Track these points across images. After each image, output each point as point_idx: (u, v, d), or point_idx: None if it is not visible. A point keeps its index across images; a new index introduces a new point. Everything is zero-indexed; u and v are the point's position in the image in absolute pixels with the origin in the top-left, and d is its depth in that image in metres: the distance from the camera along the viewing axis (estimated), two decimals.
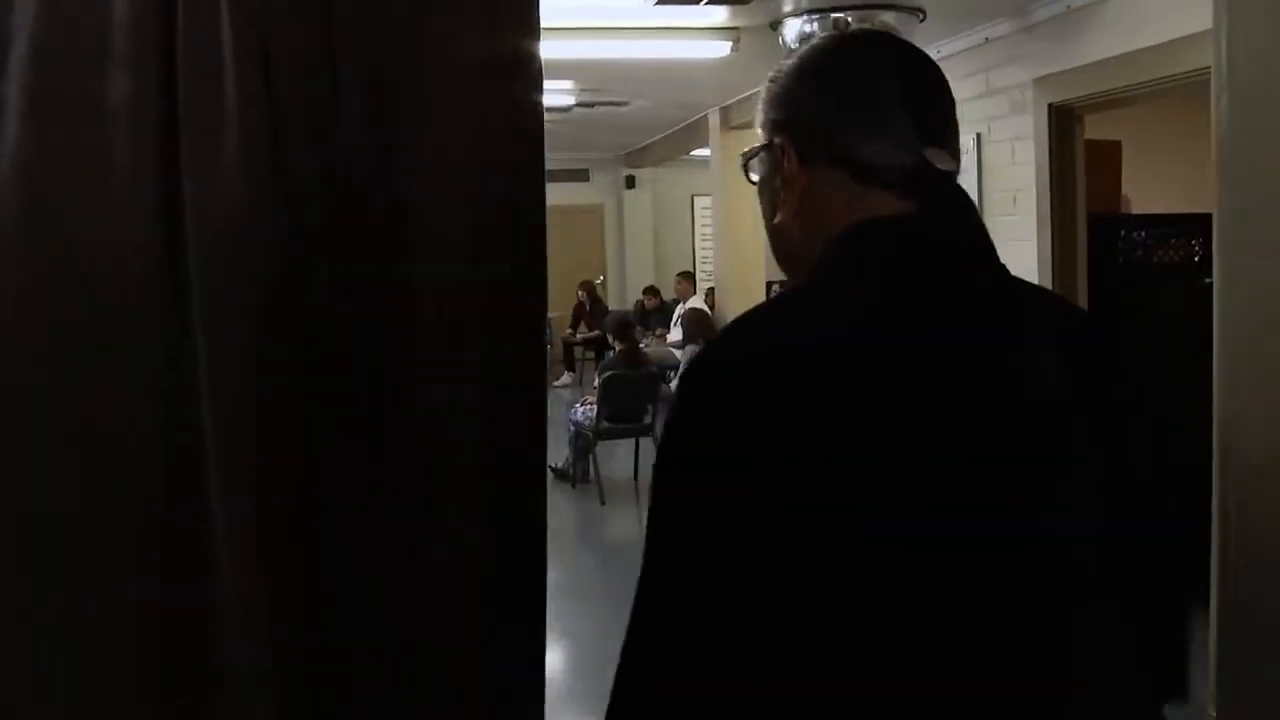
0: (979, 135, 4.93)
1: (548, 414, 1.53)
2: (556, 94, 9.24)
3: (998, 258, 1.01)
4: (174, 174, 1.33)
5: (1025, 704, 0.90)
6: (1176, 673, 1.02)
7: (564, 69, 7.38)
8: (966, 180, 4.94)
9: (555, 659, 4.56)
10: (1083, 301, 4.41)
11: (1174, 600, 1.02)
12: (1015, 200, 4.67)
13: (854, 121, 1.00)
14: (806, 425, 0.87)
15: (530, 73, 1.47)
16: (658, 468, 0.94)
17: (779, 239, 1.06)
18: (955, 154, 1.01)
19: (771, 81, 1.06)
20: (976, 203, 4.82)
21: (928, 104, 1.02)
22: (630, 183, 15.56)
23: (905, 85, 1.02)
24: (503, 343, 1.45)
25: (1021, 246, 4.64)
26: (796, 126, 1.03)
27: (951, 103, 1.05)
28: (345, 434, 1.39)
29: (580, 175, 15.58)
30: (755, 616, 0.86)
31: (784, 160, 1.03)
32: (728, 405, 0.90)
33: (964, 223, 1.00)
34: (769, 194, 1.06)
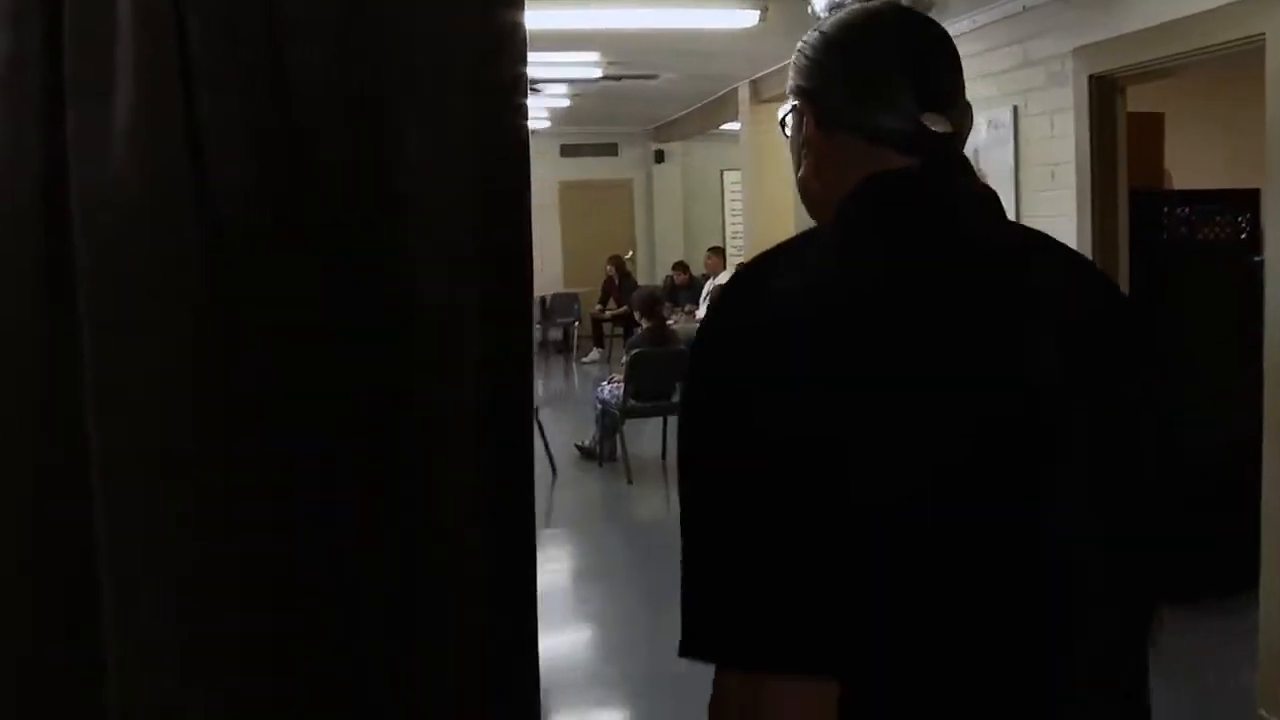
0: (1016, 108, 4.77)
1: (534, 405, 1.42)
2: (582, 66, 9.12)
3: (1003, 213, 1.09)
4: (58, 147, 1.19)
5: (1022, 666, 0.97)
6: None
7: (590, 40, 7.26)
8: (1002, 154, 4.82)
9: (581, 641, 4.48)
10: (1124, 280, 4.27)
11: (1145, 587, 1.08)
12: (1054, 175, 4.52)
13: (863, 93, 1.10)
14: (813, 399, 0.93)
15: (513, 51, 1.34)
16: (680, 442, 1.00)
17: (805, 192, 1.17)
18: (956, 121, 1.09)
19: (799, 50, 1.15)
20: (1013, 178, 4.70)
21: (930, 75, 1.10)
22: (659, 157, 15.42)
23: (912, 57, 1.10)
24: (487, 340, 1.34)
25: (1060, 223, 4.48)
26: (816, 94, 1.13)
27: (955, 74, 1.12)
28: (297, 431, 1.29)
29: (609, 150, 15.47)
30: (782, 577, 0.93)
31: (804, 123, 1.14)
32: (737, 378, 0.96)
33: (961, 178, 1.09)
34: (796, 151, 1.17)
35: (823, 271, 1.00)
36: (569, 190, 15.44)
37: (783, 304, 0.98)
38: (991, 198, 1.08)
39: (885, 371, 0.94)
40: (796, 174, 1.17)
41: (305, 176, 1.25)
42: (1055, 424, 0.97)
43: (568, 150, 15.26)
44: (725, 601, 0.96)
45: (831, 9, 4.35)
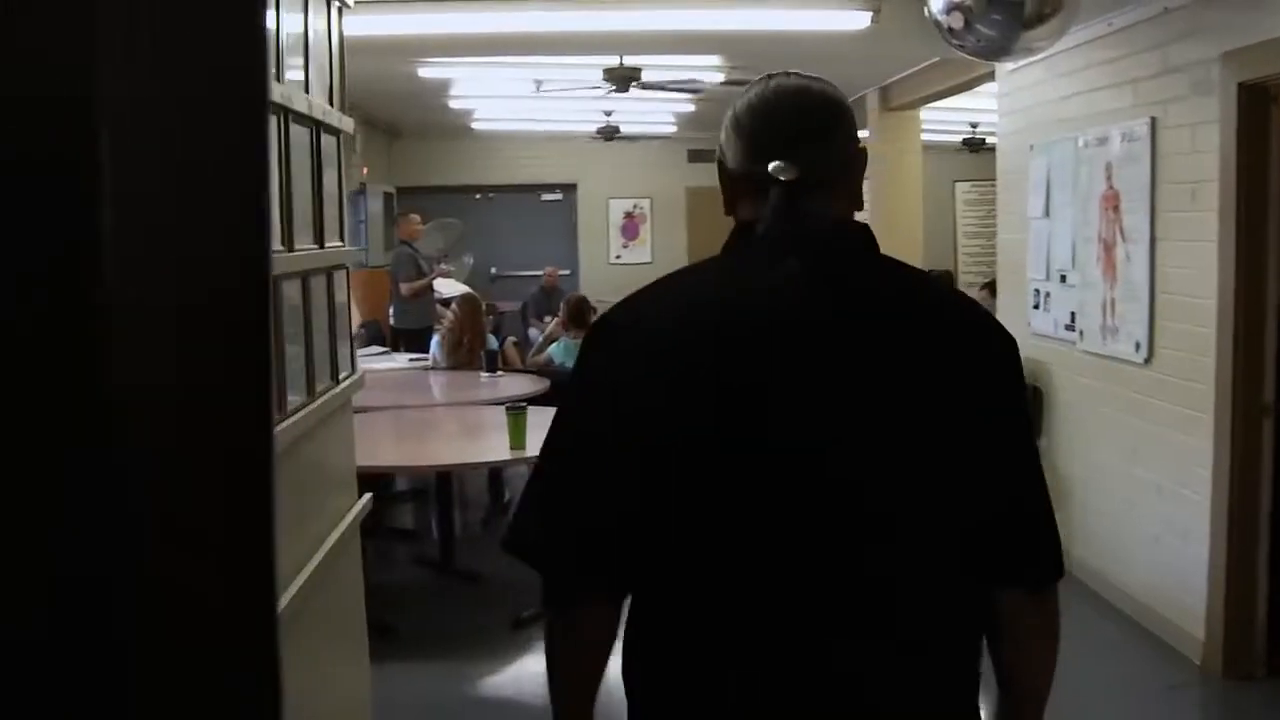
0: (1153, 120, 4.33)
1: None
2: (703, 70, 8.87)
3: (851, 236, 1.40)
4: None
5: (789, 606, 1.29)
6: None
7: (707, 42, 7.03)
8: (1136, 171, 4.37)
9: None
10: (1275, 315, 3.83)
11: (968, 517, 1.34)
12: (1194, 195, 4.07)
13: (731, 147, 1.43)
14: (655, 363, 1.33)
15: None
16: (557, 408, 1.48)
17: None
18: (802, 161, 1.33)
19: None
20: (1147, 196, 4.27)
21: (774, 131, 1.38)
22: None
23: (768, 119, 1.40)
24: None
25: (1200, 249, 4.04)
26: (722, 150, 1.47)
27: (798, 126, 1.38)
28: None
29: None
30: (618, 480, 1.33)
31: (725, 183, 1.49)
32: (612, 345, 1.40)
33: (789, 220, 1.34)
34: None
35: (674, 294, 1.46)
36: (696, 196, 15.20)
37: (640, 312, 1.44)
38: (830, 233, 1.38)
39: (678, 370, 1.32)
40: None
41: None
42: (835, 436, 1.30)
43: (695, 155, 15.02)
44: (535, 517, 1.41)
45: (949, 10, 4.01)
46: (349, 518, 2.72)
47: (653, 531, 1.31)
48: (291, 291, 2.21)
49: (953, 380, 1.33)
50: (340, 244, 2.66)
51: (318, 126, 2.43)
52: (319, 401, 2.39)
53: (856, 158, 1.44)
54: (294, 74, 2.31)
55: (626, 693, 1.41)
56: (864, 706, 1.30)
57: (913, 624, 1.32)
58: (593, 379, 1.40)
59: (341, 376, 2.66)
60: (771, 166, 1.33)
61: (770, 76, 1.43)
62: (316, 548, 2.42)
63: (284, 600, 2.11)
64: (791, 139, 1.36)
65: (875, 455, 1.30)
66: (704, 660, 1.32)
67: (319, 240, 2.46)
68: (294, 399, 2.22)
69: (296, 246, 2.25)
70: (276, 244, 2.11)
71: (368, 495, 2.90)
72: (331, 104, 2.62)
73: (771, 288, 1.32)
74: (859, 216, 1.46)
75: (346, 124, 2.69)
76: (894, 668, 1.31)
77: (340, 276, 2.67)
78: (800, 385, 1.30)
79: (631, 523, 1.32)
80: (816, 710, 1.30)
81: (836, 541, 1.29)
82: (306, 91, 2.38)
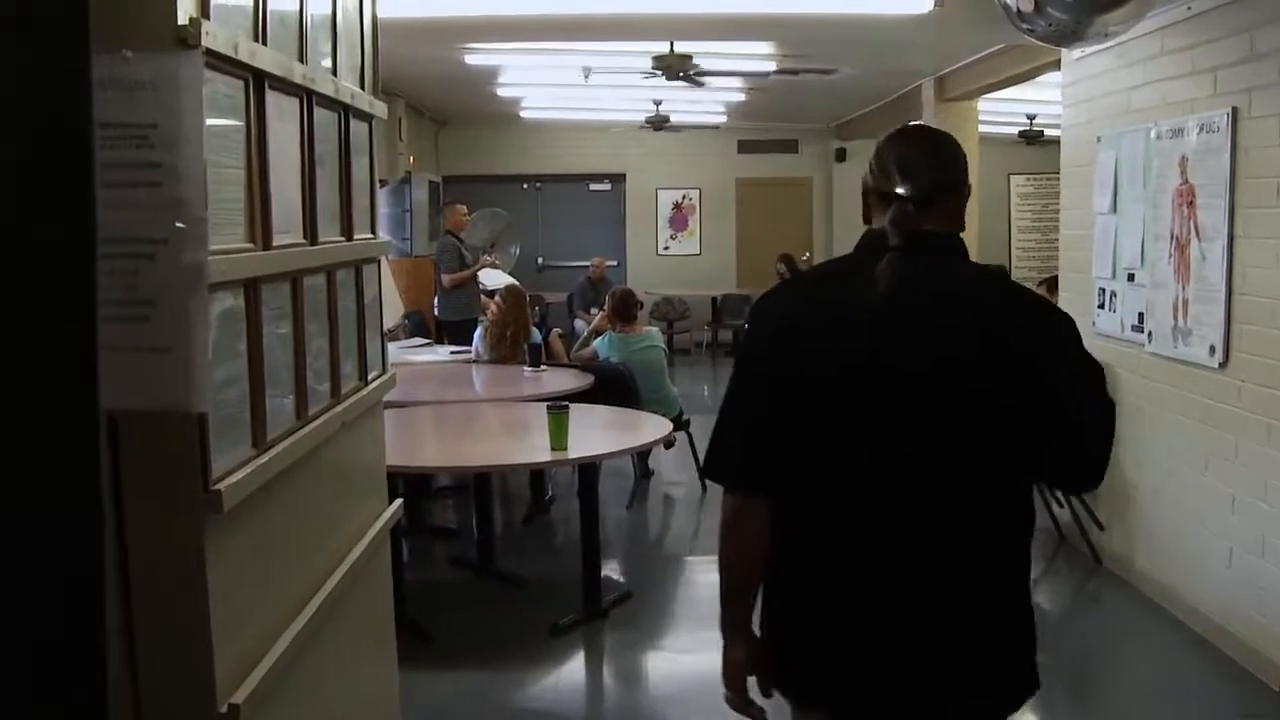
0: (1234, 110, 4.09)
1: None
2: (756, 59, 8.67)
3: (945, 252, 1.92)
4: None
5: (875, 515, 1.86)
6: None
7: (760, 26, 6.83)
8: (1215, 164, 4.12)
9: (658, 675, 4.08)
10: None
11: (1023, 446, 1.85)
12: (1279, 190, 3.83)
13: (872, 171, 1.98)
14: (775, 350, 1.92)
15: None
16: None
17: None
18: (918, 184, 1.88)
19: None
20: (1226, 192, 4.04)
21: (901, 161, 1.93)
22: (841, 155, 14.77)
23: (906, 146, 1.97)
24: None
25: None
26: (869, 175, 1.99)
27: (918, 159, 1.93)
28: None
29: (789, 146, 14.93)
30: (766, 442, 1.90)
31: (866, 197, 2.02)
32: (762, 322, 1.99)
33: (902, 226, 1.87)
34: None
35: (817, 284, 2.18)
36: (746, 187, 14.99)
37: (787, 299, 2.06)
38: (931, 241, 1.89)
39: (796, 354, 1.88)
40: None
41: None
42: (915, 400, 1.83)
43: (745, 146, 14.80)
44: (726, 450, 1.95)
45: None
46: (379, 524, 2.59)
47: (795, 444, 1.89)
48: (314, 287, 2.07)
49: (1010, 341, 1.86)
50: (371, 236, 2.51)
51: (346, 111, 2.28)
52: (345, 404, 2.25)
53: (961, 189, 1.96)
54: (321, 56, 2.17)
55: (770, 572, 1.97)
56: (933, 572, 1.85)
57: (979, 535, 1.87)
58: (753, 346, 2.00)
59: (371, 376, 2.52)
60: (899, 187, 1.89)
61: (908, 124, 2.16)
62: (344, 555, 2.29)
63: (311, 608, 1.98)
64: (912, 168, 1.91)
65: (948, 395, 1.83)
66: (820, 558, 1.91)
67: (347, 232, 2.31)
68: (318, 401, 2.08)
69: (321, 239, 2.11)
70: (297, 236, 1.97)
71: (398, 501, 2.76)
72: (363, 87, 2.47)
73: (883, 277, 1.84)
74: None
75: (379, 109, 2.54)
76: (968, 568, 1.87)
77: (370, 271, 2.53)
78: (897, 345, 1.85)
79: (783, 441, 1.89)
80: (899, 575, 1.85)
81: (918, 445, 1.84)
82: (335, 74, 2.24)
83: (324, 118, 2.14)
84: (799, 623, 1.95)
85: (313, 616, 1.96)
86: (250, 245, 1.73)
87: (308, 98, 2.01)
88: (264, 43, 1.78)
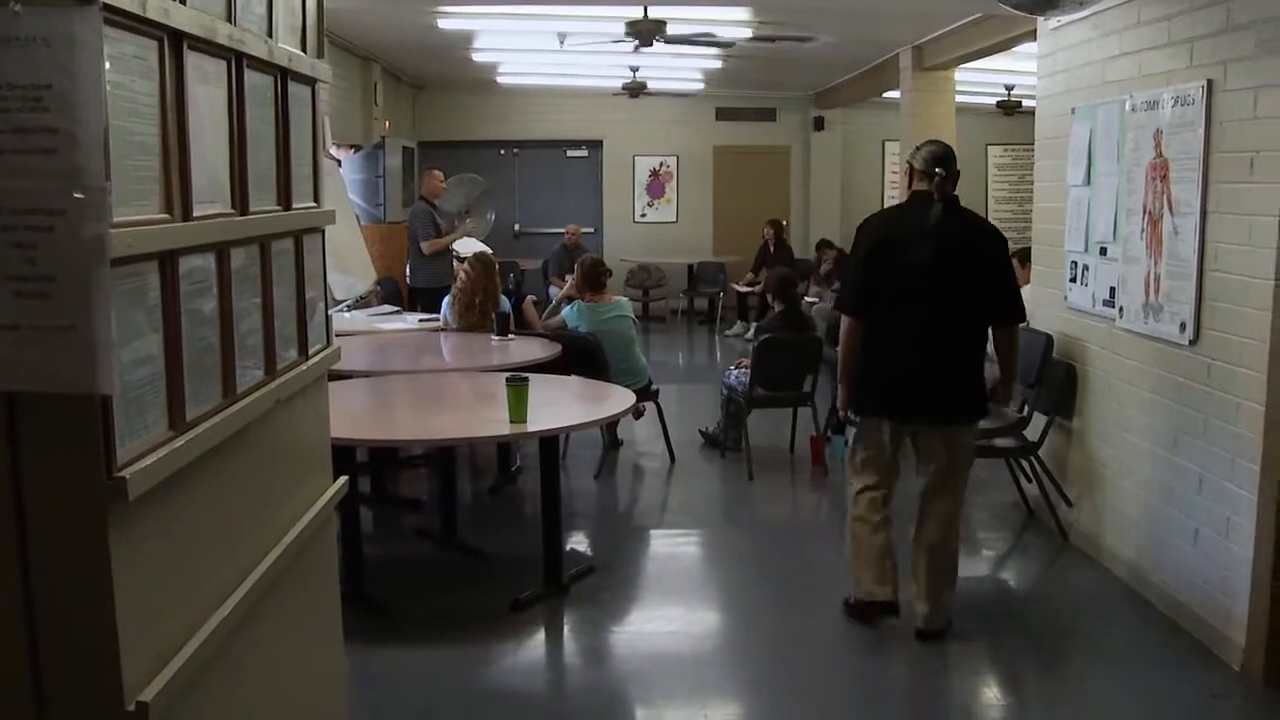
0: (1209, 82, 4.01)
1: None
2: (730, 26, 8.54)
3: (957, 203, 4.04)
4: None
5: (914, 336, 4.00)
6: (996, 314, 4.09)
7: None
8: (1189, 138, 4.05)
9: (695, 647, 4.03)
10: None
11: (986, 304, 4.04)
12: (1253, 165, 3.76)
13: (924, 165, 4.10)
14: (873, 246, 4.06)
15: None
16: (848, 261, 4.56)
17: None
18: (945, 170, 4.02)
19: (916, 149, 4.19)
20: (1200, 166, 3.98)
21: (940, 162, 4.05)
22: (819, 124, 14.68)
23: (937, 157, 4.07)
24: None
25: (1256, 223, 3.74)
26: (912, 162, 4.19)
27: (950, 159, 4.07)
28: None
29: (767, 115, 14.82)
30: (867, 291, 4.06)
31: (910, 173, 4.20)
32: (865, 234, 4.12)
33: (944, 194, 4.01)
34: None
35: (887, 217, 4.44)
36: (723, 155, 14.87)
37: (876, 224, 4.19)
38: (952, 201, 4.02)
39: (884, 250, 4.02)
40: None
41: None
42: (935, 275, 3.94)
43: (723, 114, 14.67)
44: (849, 297, 4.14)
45: None
46: (322, 501, 2.51)
47: (882, 296, 3.99)
48: (245, 259, 1.97)
49: (984, 254, 4.00)
50: (314, 205, 2.41)
51: (284, 74, 2.18)
52: (280, 380, 2.16)
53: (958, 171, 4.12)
54: (255, 17, 2.06)
55: (863, 362, 4.14)
56: (943, 373, 3.98)
57: (964, 338, 4.01)
58: (858, 240, 4.12)
59: (313, 350, 2.42)
60: (936, 170, 4.00)
61: (934, 140, 4.23)
62: (282, 536, 2.21)
63: (238, 595, 1.90)
64: (946, 161, 4.01)
65: (952, 276, 3.92)
66: (881, 348, 4.04)
67: (285, 201, 2.21)
68: (249, 379, 1.99)
69: (254, 209, 2.01)
70: (224, 206, 1.88)
71: (343, 479, 2.68)
72: (304, 49, 2.36)
73: (924, 217, 3.95)
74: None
75: (322, 71, 2.43)
76: (956, 355, 4.00)
77: (313, 241, 2.43)
78: (940, 249, 3.92)
79: (865, 289, 4.03)
80: (926, 378, 3.99)
81: (934, 304, 3.93)
82: (271, 35, 2.13)
83: (257, 81, 2.04)
84: (876, 381, 4.09)
85: (240, 603, 1.88)
86: (166, 216, 1.63)
87: (236, 60, 1.91)
88: (182, 1, 1.68)
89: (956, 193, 3.98)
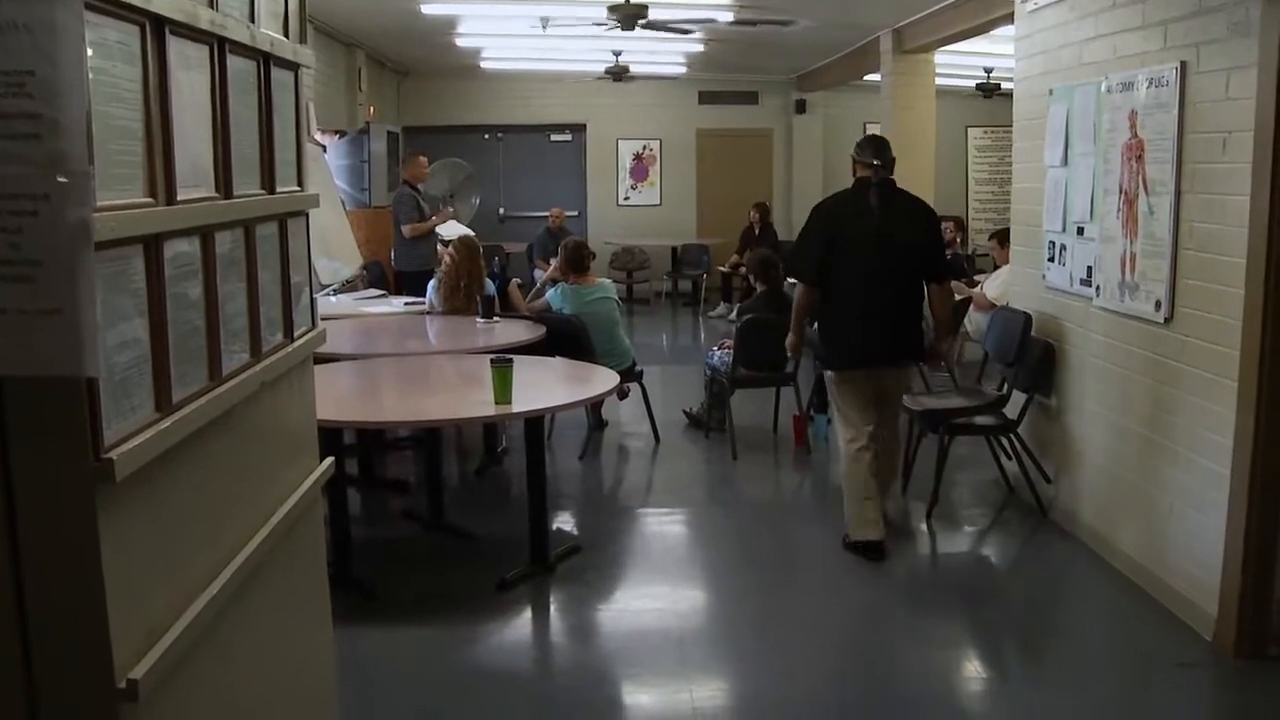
0: (1183, 64, 4.06)
1: None
2: (711, 9, 8.56)
3: (893, 185, 4.95)
4: None
5: (867, 293, 4.86)
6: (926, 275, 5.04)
7: None
8: (1163, 119, 4.10)
9: (680, 624, 4.08)
10: None
11: (921, 264, 4.96)
12: (1225, 145, 3.81)
13: (864, 156, 4.98)
14: (828, 225, 4.94)
15: None
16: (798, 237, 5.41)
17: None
18: (884, 161, 4.92)
19: (857, 144, 5.10)
20: (1174, 146, 4.02)
21: (877, 150, 4.94)
22: (800, 107, 14.70)
23: (874, 144, 5.03)
24: None
25: (1228, 202, 3.80)
26: (856, 155, 5.07)
27: (886, 148, 5.00)
28: None
29: (750, 98, 14.84)
30: (821, 263, 4.91)
31: (854, 164, 5.06)
32: (816, 218, 5.02)
33: (880, 179, 4.90)
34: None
35: (837, 200, 5.12)
36: (706, 138, 14.88)
37: (831, 205, 5.09)
38: (888, 184, 4.90)
39: (837, 228, 4.88)
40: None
41: None
42: (880, 244, 4.81)
43: (706, 97, 14.68)
44: (805, 267, 5.01)
45: None
46: (308, 482, 2.54)
47: (835, 265, 4.84)
48: (229, 242, 2.00)
49: (918, 225, 4.96)
50: (298, 189, 2.43)
51: (266, 59, 2.20)
52: (266, 363, 2.19)
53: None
54: (237, 2, 2.07)
55: (819, 317, 5.05)
56: (892, 323, 4.87)
57: (906, 293, 4.92)
58: (813, 221, 4.98)
59: (298, 333, 2.45)
60: (874, 160, 4.86)
61: (872, 135, 5.31)
62: (269, 517, 2.24)
63: (225, 575, 1.93)
64: (881, 151, 4.90)
65: (893, 244, 4.80)
66: (842, 310, 4.89)
67: (268, 185, 2.24)
68: (235, 361, 2.02)
69: (238, 193, 2.03)
70: (208, 190, 1.90)
71: (329, 460, 2.71)
72: (286, 34, 2.38)
73: (866, 198, 4.84)
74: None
75: (304, 56, 2.45)
76: (901, 307, 4.90)
77: (298, 224, 2.45)
78: (882, 224, 4.80)
79: (823, 261, 4.86)
80: (879, 328, 4.85)
81: (881, 266, 4.80)
82: (253, 20, 2.15)
83: (240, 66, 2.06)
84: (836, 337, 4.93)
85: (227, 583, 1.91)
86: (150, 200, 1.66)
87: (219, 45, 1.93)
88: None
89: (892, 178, 4.95)
